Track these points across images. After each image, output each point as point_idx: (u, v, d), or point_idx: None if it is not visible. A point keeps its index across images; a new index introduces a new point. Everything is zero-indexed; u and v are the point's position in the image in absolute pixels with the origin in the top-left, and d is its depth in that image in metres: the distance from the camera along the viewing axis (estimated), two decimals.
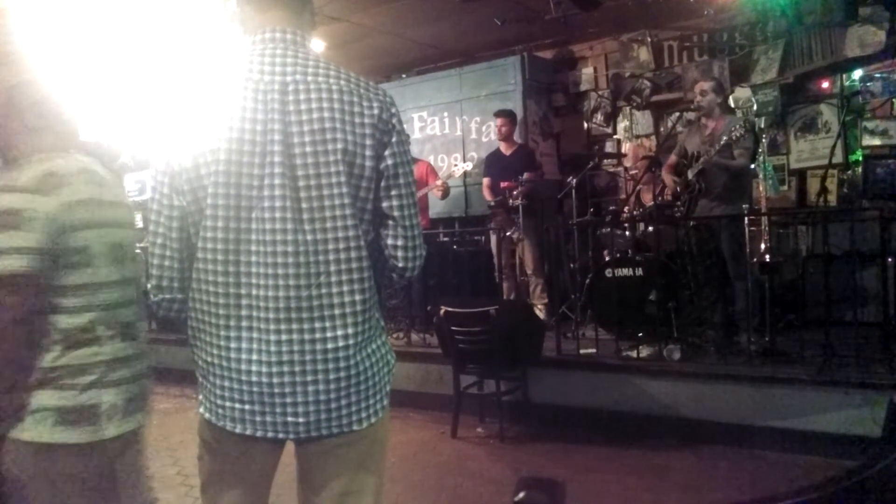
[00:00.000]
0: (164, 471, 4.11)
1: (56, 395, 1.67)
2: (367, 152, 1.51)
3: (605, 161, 7.10)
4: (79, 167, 1.73)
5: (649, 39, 6.85)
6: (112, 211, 1.78)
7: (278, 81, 1.50)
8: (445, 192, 6.30)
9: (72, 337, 1.69)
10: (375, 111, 1.53)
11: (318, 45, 6.10)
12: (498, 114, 6.30)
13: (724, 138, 4.62)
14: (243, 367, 1.48)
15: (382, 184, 1.55)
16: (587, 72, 7.41)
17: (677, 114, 6.78)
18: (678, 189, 5.00)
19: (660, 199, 5.33)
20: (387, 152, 1.54)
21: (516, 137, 6.65)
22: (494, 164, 6.29)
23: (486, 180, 6.39)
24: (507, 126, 6.23)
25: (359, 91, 1.53)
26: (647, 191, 5.79)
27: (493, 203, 6.01)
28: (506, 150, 6.29)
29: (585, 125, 7.46)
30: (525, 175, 5.79)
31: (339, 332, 1.50)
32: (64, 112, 1.83)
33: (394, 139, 1.55)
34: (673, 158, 5.20)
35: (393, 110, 1.57)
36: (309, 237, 1.48)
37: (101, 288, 1.73)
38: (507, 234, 5.80)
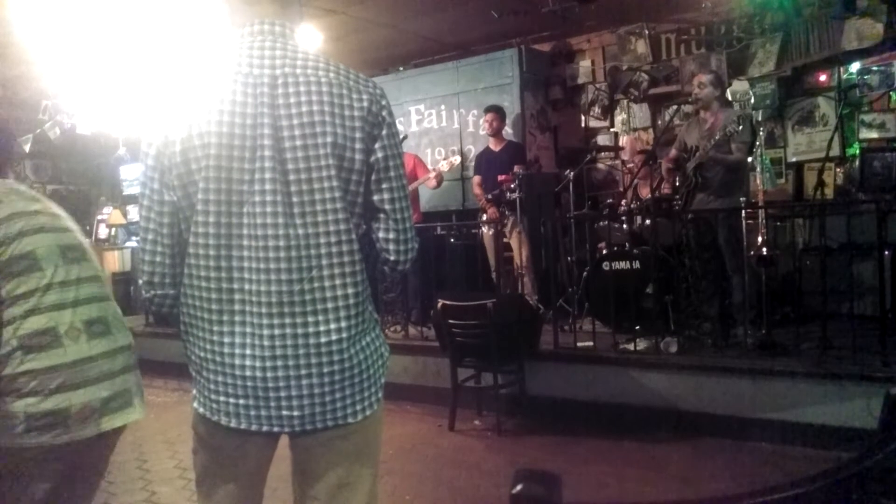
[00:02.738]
0: (161, 464, 4.12)
1: (22, 403, 1.66)
2: (357, 145, 1.50)
3: (603, 154, 7.09)
4: (8, 188, 1.85)
5: (647, 32, 6.84)
6: (51, 220, 1.86)
7: (267, 75, 1.49)
8: (439, 182, 6.23)
9: (29, 341, 1.69)
10: (365, 104, 1.52)
11: (315, 37, 6.07)
12: (487, 109, 6.27)
13: (721, 133, 4.61)
14: (237, 361, 1.48)
15: (373, 177, 1.54)
16: (584, 65, 7.40)
17: (675, 107, 6.77)
18: (678, 180, 4.99)
19: (657, 192, 5.32)
20: (377, 145, 1.53)
21: (511, 131, 6.63)
22: (484, 162, 6.27)
23: (476, 178, 6.37)
24: (497, 122, 6.19)
25: (348, 84, 1.52)
26: (644, 185, 5.79)
27: (488, 198, 5.98)
28: (495, 146, 6.27)
29: (583, 118, 7.45)
30: (516, 168, 5.77)
31: (333, 326, 1.49)
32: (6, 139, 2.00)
33: (384, 132, 1.54)
34: (673, 152, 5.19)
35: (383, 103, 1.56)
36: (300, 231, 1.47)
37: (52, 289, 1.75)
38: (500, 229, 5.78)
